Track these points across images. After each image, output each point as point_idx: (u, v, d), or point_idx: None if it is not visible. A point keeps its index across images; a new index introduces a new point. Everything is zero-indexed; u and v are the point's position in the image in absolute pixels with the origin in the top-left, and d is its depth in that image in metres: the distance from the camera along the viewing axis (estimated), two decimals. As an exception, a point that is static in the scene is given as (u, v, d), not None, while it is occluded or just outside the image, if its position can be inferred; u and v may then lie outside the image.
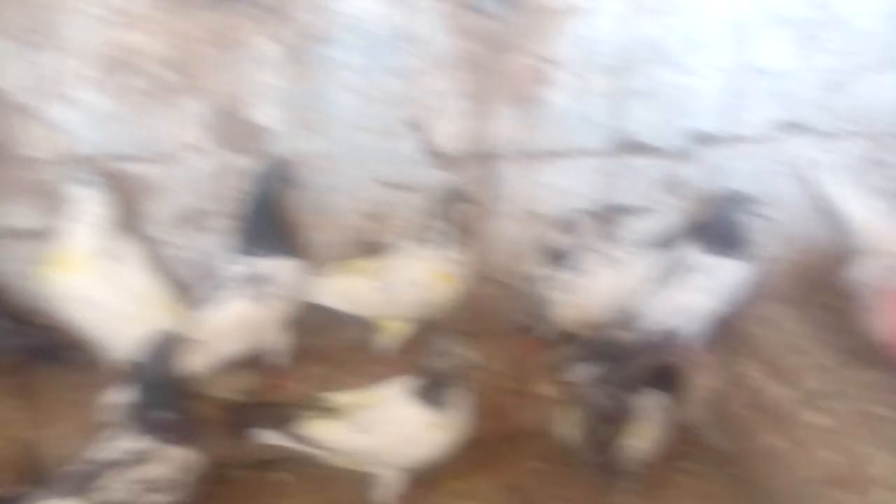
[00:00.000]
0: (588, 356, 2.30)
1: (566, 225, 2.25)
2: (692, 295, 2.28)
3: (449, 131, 2.33)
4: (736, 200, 2.30)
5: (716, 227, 2.30)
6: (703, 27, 2.33)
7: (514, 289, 2.44)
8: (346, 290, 2.27)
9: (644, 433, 1.99)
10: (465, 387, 1.93)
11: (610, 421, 1.91)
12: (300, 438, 1.94)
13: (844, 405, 2.09)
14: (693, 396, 2.38)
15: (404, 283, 2.23)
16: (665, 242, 2.46)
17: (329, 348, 2.37)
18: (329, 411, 1.94)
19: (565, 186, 2.48)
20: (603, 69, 2.34)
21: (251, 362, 2.19)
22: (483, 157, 2.39)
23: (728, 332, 2.49)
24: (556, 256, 2.25)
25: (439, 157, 2.35)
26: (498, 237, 2.49)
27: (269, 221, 2.17)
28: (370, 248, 2.36)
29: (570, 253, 2.25)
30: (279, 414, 1.98)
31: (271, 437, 1.97)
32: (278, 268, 2.14)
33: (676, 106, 2.42)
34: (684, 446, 2.35)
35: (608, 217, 2.53)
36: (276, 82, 2.18)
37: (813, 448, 2.05)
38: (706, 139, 2.48)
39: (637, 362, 2.13)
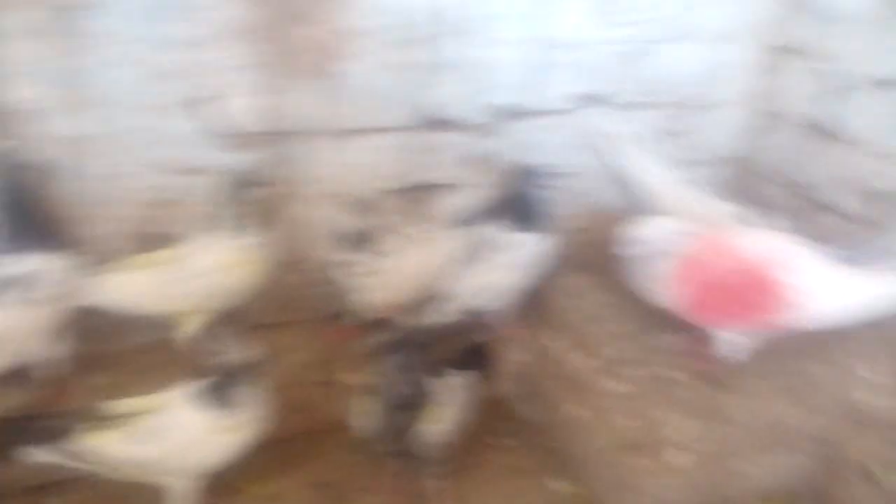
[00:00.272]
0: (396, 341, 2.25)
1: (365, 206, 2.16)
2: (497, 272, 2.26)
3: (239, 108, 2.18)
4: (534, 174, 2.29)
5: (516, 203, 2.29)
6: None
7: (321, 275, 2.33)
8: (130, 288, 2.06)
9: (443, 417, 1.95)
10: (258, 383, 1.80)
11: (405, 408, 1.86)
12: (75, 454, 1.74)
13: (641, 371, 2.15)
14: (504, 372, 2.39)
15: (197, 274, 2.05)
16: (471, 219, 2.42)
17: (120, 353, 2.17)
18: (107, 421, 1.75)
19: (371, 165, 2.40)
20: (402, 42, 2.26)
21: (19, 376, 1.95)
22: (279, 136, 2.25)
23: (534, 305, 2.51)
24: (357, 239, 2.15)
25: (229, 137, 2.19)
26: (301, 221, 2.37)
27: (30, 215, 1.92)
28: (157, 239, 2.15)
29: (372, 235, 2.16)
30: (50, 428, 1.76)
31: (42, 456, 1.75)
32: (43, 267, 1.90)
33: (479, 80, 2.39)
34: (497, 421, 2.37)
35: (414, 195, 2.47)
36: (34, 56, 1.93)
37: (611, 415, 2.09)
38: (509, 113, 2.47)
39: (443, 345, 2.08)
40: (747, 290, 2.00)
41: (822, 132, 2.41)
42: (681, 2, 2.50)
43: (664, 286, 2.23)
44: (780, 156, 2.60)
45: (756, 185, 2.75)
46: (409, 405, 1.86)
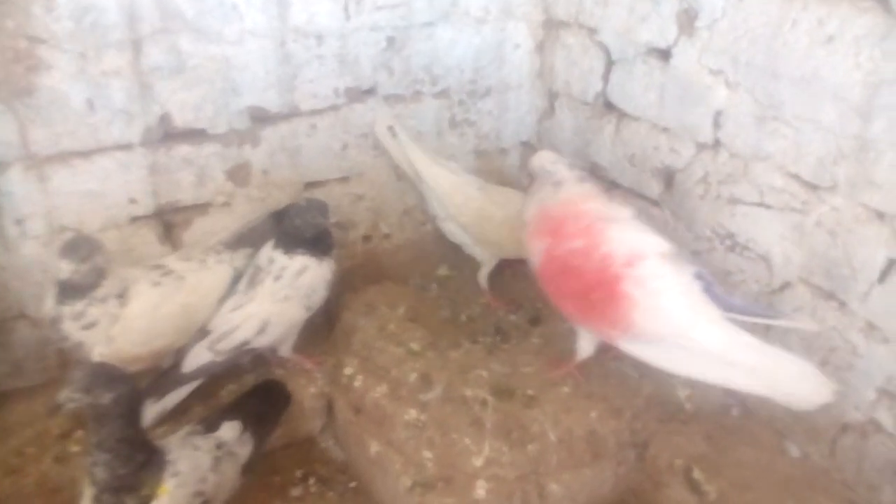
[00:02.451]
0: (148, 395, 1.91)
1: (88, 243, 1.78)
2: (272, 299, 1.97)
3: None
4: (306, 201, 2.04)
5: (290, 224, 2.01)
6: (231, -13, 1.99)
7: (49, 332, 1.93)
8: None
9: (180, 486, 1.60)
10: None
11: (114, 493, 1.50)
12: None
13: (434, 393, 1.94)
14: (306, 408, 2.11)
15: None
16: (236, 243, 2.11)
17: None
18: None
19: (102, 192, 2.02)
20: (115, 44, 1.90)
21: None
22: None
23: (327, 330, 2.26)
24: (76, 285, 1.76)
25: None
26: (17, 265, 1.96)
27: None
28: None
29: (100, 276, 1.78)
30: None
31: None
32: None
33: (224, 81, 2.07)
34: (305, 464, 2.10)
35: (163, 220, 2.13)
36: None
37: (410, 448, 1.87)
38: (266, 117, 2.17)
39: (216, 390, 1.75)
40: (590, 288, 1.75)
41: (609, 109, 2.28)
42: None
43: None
44: (572, 137, 2.46)
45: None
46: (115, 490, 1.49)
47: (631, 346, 1.73)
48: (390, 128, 2.30)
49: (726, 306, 1.64)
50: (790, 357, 1.60)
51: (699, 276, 1.68)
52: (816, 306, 1.79)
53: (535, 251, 1.87)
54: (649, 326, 1.67)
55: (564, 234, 1.80)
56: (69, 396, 1.46)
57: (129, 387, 1.51)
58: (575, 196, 1.88)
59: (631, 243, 1.73)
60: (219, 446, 1.72)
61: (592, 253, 1.73)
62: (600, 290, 1.72)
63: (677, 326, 1.64)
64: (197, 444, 1.69)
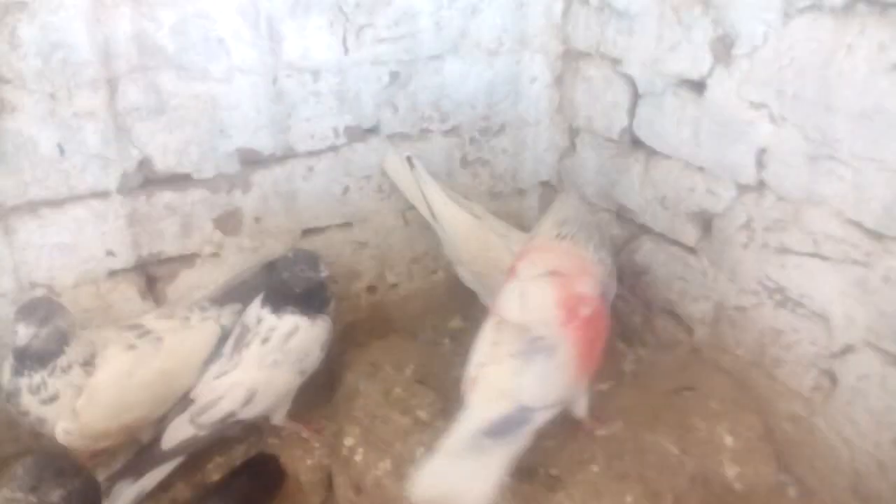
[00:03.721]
0: (123, 476, 1.70)
1: (33, 308, 1.57)
2: (257, 367, 1.76)
3: None
4: (301, 254, 1.84)
5: (278, 279, 1.80)
6: (217, 20, 1.81)
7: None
8: None
9: None
10: None
11: None
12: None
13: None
14: (304, 482, 1.88)
15: None
16: (225, 300, 1.91)
17: None
18: None
19: (76, 244, 1.83)
20: (89, 84, 1.72)
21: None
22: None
23: (326, 394, 2.04)
24: (35, 353, 1.55)
25: None
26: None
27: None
28: None
29: (54, 345, 1.57)
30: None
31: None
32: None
33: (209, 123, 1.88)
34: None
35: (143, 274, 1.93)
36: None
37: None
38: (258, 160, 1.98)
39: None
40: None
41: (636, 146, 2.06)
42: (443, 6, 2.08)
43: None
44: (595, 177, 2.24)
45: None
46: None
47: None
48: (409, 158, 2.09)
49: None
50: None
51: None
52: (886, 374, 1.53)
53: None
54: None
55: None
56: (10, 497, 1.25)
57: (83, 480, 1.30)
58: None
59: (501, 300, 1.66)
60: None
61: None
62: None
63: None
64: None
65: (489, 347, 1.60)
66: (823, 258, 1.61)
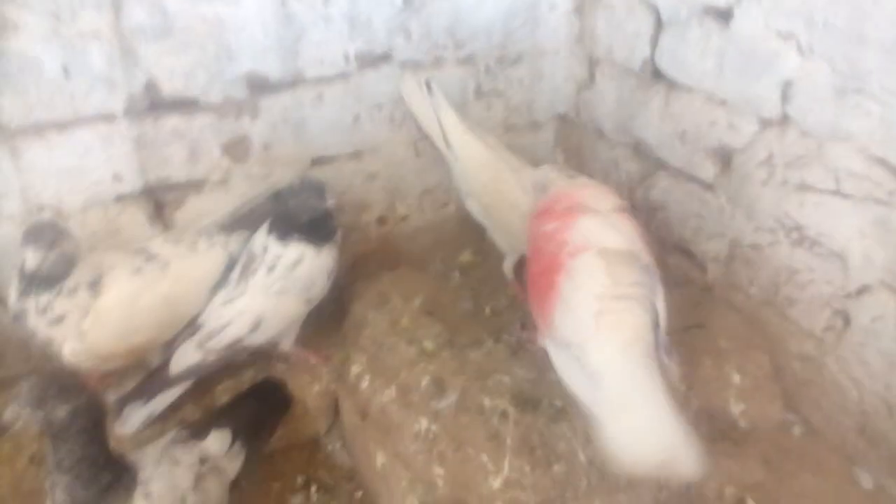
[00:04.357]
0: (133, 398, 1.73)
1: (40, 231, 1.57)
2: (269, 291, 1.76)
3: None
4: (307, 183, 1.83)
5: (284, 207, 1.79)
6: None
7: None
8: None
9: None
10: None
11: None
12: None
13: (448, 399, 1.70)
14: (312, 408, 1.91)
15: None
16: (231, 227, 1.90)
17: None
18: None
19: (83, 167, 1.82)
20: (93, 3, 1.68)
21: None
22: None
23: (334, 323, 2.04)
24: (43, 276, 1.56)
25: None
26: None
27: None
28: None
29: (62, 267, 1.58)
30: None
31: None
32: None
33: (219, 45, 1.84)
34: (308, 468, 1.90)
35: (151, 199, 1.92)
36: None
37: (418, 462, 1.64)
38: (266, 86, 1.93)
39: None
40: (541, 274, 1.55)
41: (657, 78, 1.99)
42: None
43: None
44: (614, 110, 2.17)
45: (594, 147, 2.32)
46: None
47: (551, 349, 1.53)
48: (427, 82, 2.04)
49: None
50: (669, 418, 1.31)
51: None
52: (902, 317, 1.50)
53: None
54: (561, 326, 1.46)
55: (547, 215, 1.61)
56: (17, 412, 1.26)
57: (89, 397, 1.31)
58: (566, 185, 1.70)
59: (587, 233, 1.52)
60: (203, 461, 1.52)
61: (556, 236, 1.54)
62: (545, 277, 1.51)
63: (575, 332, 1.43)
64: (177, 458, 1.49)
65: (606, 278, 1.45)
66: (844, 196, 1.56)
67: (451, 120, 2.05)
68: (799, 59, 1.59)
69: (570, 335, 1.45)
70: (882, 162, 1.47)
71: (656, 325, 1.43)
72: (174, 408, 1.79)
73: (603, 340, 1.40)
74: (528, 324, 1.89)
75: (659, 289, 1.48)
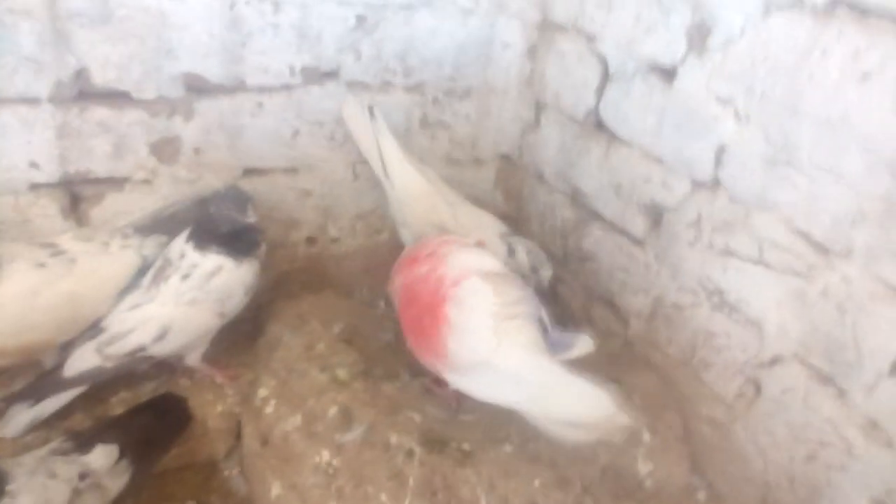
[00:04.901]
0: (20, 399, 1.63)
1: None
2: (174, 303, 1.68)
3: None
4: (231, 193, 1.77)
5: (205, 214, 1.72)
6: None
7: None
8: None
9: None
10: None
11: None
12: None
13: (355, 435, 1.64)
14: (211, 429, 1.82)
15: None
16: (149, 229, 1.82)
17: None
18: None
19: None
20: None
21: None
22: None
23: (247, 341, 1.96)
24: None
25: None
26: None
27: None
28: None
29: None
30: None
31: None
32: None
33: (156, 41, 1.77)
34: (200, 493, 1.79)
35: (66, 193, 1.83)
36: None
37: (314, 498, 1.57)
38: (204, 88, 1.87)
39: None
40: (422, 314, 1.60)
41: (600, 128, 2.00)
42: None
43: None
44: (556, 156, 2.18)
45: (534, 190, 2.32)
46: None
47: (455, 379, 1.59)
48: (370, 108, 2.00)
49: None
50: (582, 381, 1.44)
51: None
52: (810, 390, 1.51)
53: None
54: (458, 351, 1.53)
55: (414, 263, 1.69)
56: None
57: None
58: (429, 238, 1.82)
59: (463, 262, 1.62)
60: (83, 476, 1.43)
61: (430, 276, 1.62)
62: (428, 315, 1.58)
63: (475, 351, 1.52)
64: (54, 471, 1.39)
65: (495, 297, 1.55)
66: (766, 266, 1.57)
67: (391, 148, 2.02)
68: (735, 126, 1.62)
69: (471, 356, 1.53)
70: (805, 235, 1.49)
71: (545, 332, 1.56)
72: (63, 415, 1.69)
73: (507, 349, 1.49)
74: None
75: (537, 299, 1.61)
